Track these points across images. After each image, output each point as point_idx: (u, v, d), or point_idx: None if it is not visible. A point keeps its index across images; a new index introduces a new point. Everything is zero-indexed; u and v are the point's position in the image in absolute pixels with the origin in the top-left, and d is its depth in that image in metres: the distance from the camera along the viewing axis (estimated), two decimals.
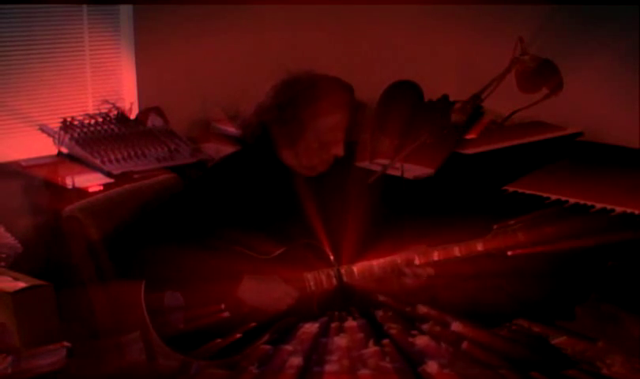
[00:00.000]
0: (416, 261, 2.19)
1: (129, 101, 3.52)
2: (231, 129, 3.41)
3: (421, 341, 2.06)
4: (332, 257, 2.25)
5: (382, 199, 2.41)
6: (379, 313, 2.20)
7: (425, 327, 2.13)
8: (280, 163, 2.33)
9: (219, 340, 2.09)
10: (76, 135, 3.22)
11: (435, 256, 2.18)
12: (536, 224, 2.10)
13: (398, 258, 2.20)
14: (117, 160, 3.13)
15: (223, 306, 2.14)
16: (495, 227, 2.13)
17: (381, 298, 2.25)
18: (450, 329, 2.11)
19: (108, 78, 3.53)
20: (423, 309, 2.20)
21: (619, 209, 2.63)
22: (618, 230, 2.45)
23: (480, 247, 2.13)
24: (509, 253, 2.11)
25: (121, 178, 3.00)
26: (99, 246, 2.36)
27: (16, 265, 2.69)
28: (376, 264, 2.21)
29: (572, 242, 2.12)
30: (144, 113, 3.47)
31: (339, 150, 2.27)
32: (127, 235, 2.21)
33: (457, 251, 2.16)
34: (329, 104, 2.25)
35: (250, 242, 2.19)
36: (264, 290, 2.17)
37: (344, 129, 2.27)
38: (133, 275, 2.15)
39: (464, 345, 2.04)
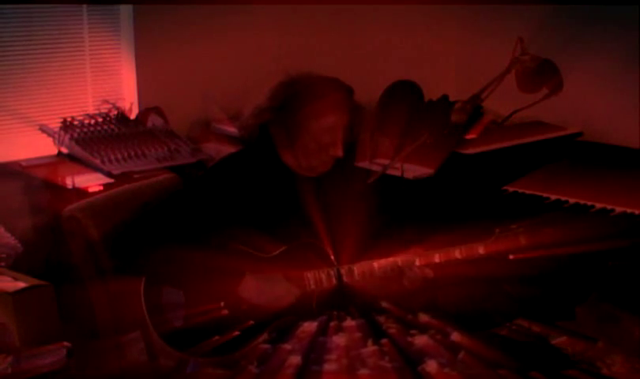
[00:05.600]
0: (417, 263, 2.19)
1: (129, 101, 3.52)
2: (232, 129, 3.41)
3: (420, 340, 2.06)
4: (332, 257, 2.25)
5: (382, 199, 2.41)
6: (380, 317, 2.20)
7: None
8: (280, 163, 2.33)
9: (217, 338, 2.10)
10: (76, 135, 3.22)
11: (436, 258, 2.18)
12: (538, 228, 2.10)
13: (399, 259, 2.20)
14: (117, 160, 3.13)
15: (222, 304, 2.15)
16: (497, 230, 2.13)
17: (382, 304, 2.25)
18: (450, 339, 2.11)
19: (108, 78, 3.52)
20: (424, 317, 2.19)
21: (619, 209, 2.62)
22: (619, 232, 2.45)
23: (481, 250, 2.14)
24: (510, 256, 2.11)
25: (121, 178, 3.00)
26: (99, 246, 2.36)
27: (16, 265, 2.69)
28: (376, 264, 2.21)
29: (574, 247, 2.12)
30: (144, 113, 3.47)
31: (338, 151, 2.26)
32: (128, 233, 2.21)
33: (458, 253, 2.16)
34: (325, 106, 2.25)
35: (250, 241, 2.19)
36: (265, 288, 2.17)
37: (343, 131, 2.26)
38: (134, 272, 2.15)
39: (461, 355, 2.04)
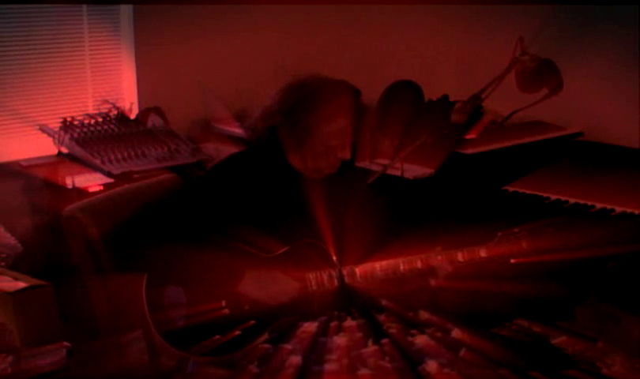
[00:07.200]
0: (418, 265, 2.19)
1: (129, 101, 3.52)
2: (232, 129, 3.41)
3: (420, 340, 2.06)
4: (334, 258, 2.25)
5: (384, 200, 2.41)
6: (380, 316, 2.20)
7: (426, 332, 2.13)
8: (285, 164, 2.33)
9: (218, 337, 2.10)
10: (76, 135, 3.22)
11: (439, 260, 2.18)
12: (540, 232, 2.11)
13: (400, 261, 2.20)
14: (117, 160, 3.12)
15: (223, 303, 2.15)
16: (499, 234, 2.13)
17: (383, 302, 2.25)
18: (450, 336, 2.11)
19: (108, 78, 3.52)
20: (424, 315, 2.20)
21: (619, 209, 2.63)
22: (621, 237, 2.45)
23: (483, 253, 2.14)
24: (512, 260, 2.12)
25: (121, 178, 3.00)
26: (99, 246, 2.36)
27: (16, 265, 2.69)
28: (378, 266, 2.21)
29: (576, 252, 2.12)
30: (144, 113, 3.47)
31: (346, 154, 2.27)
32: (130, 232, 2.21)
33: (460, 256, 2.16)
34: (335, 109, 2.25)
35: (253, 241, 2.19)
36: (266, 283, 2.17)
37: (351, 133, 2.27)
38: (135, 271, 2.15)
39: (463, 353, 2.04)
